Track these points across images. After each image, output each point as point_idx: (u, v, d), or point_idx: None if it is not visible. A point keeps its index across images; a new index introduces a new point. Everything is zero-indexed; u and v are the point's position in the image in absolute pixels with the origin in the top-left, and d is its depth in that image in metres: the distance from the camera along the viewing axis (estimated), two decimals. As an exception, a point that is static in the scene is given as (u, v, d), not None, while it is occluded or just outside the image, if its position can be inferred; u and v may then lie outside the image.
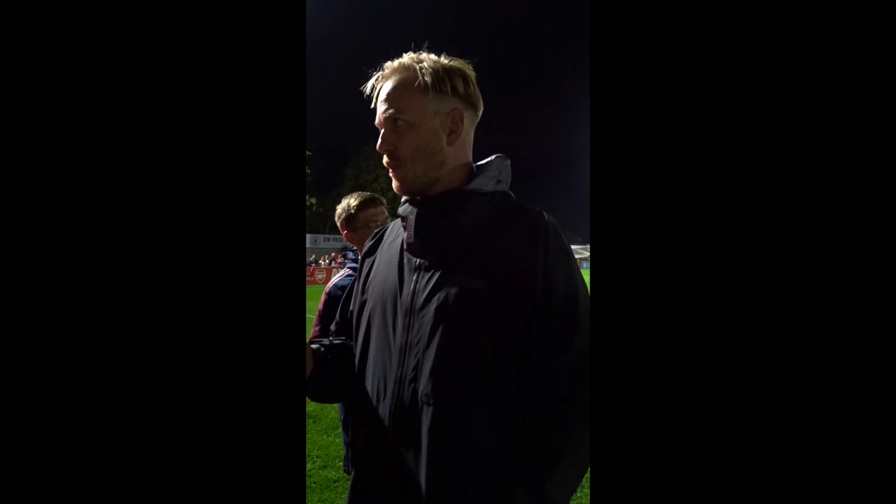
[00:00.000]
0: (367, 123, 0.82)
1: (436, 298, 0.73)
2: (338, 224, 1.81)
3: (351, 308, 0.93)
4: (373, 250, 0.93)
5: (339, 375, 0.86)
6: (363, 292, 0.89)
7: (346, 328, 0.94)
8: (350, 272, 1.75)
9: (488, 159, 0.85)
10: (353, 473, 0.83)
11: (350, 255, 1.87)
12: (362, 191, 1.87)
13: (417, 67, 0.77)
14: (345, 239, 1.82)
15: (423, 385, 0.72)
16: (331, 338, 0.93)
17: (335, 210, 1.83)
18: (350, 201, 1.77)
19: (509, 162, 0.86)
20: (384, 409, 0.76)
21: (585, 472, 0.74)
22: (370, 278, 0.88)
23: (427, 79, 0.76)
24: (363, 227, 1.73)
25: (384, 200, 1.83)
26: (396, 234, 0.87)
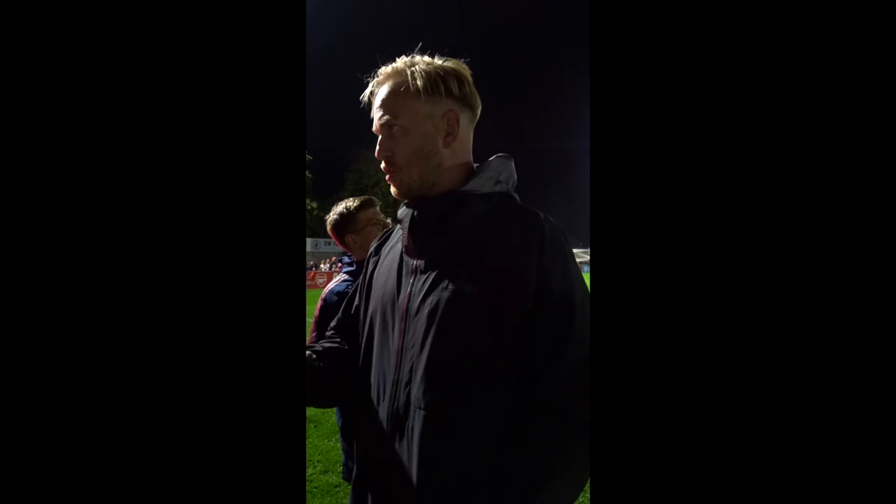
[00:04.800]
0: (368, 126, 0.82)
1: (428, 302, 0.73)
2: (329, 230, 1.76)
3: (352, 310, 0.93)
4: (378, 250, 0.92)
5: (329, 381, 0.84)
6: (366, 292, 0.89)
7: (347, 328, 0.93)
8: (346, 277, 1.74)
9: (489, 160, 0.83)
10: (354, 476, 0.82)
11: (346, 259, 1.85)
12: (363, 195, 1.86)
13: (409, 71, 0.76)
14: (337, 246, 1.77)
15: (416, 389, 0.71)
16: (322, 342, 0.91)
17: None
18: (348, 204, 1.74)
19: (513, 162, 0.83)
20: (383, 413, 0.76)
21: (582, 488, 0.71)
22: (373, 279, 0.88)
23: (418, 82, 0.75)
24: (364, 227, 1.71)
25: (378, 202, 1.82)
26: (399, 237, 0.87)
